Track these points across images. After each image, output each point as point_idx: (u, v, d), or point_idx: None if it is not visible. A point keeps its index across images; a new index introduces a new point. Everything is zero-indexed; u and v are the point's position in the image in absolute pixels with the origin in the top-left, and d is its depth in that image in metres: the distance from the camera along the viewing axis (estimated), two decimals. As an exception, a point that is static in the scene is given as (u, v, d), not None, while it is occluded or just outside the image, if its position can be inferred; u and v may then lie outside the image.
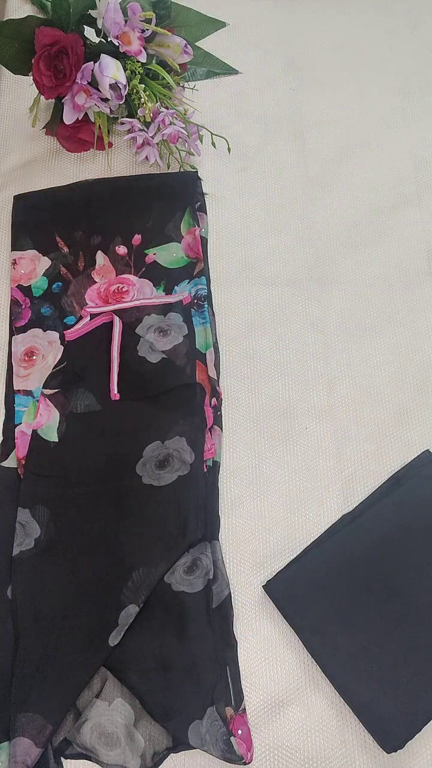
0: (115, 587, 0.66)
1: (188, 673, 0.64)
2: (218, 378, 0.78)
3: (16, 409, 0.75)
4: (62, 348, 0.77)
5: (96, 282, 0.81)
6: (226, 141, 0.88)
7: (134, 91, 0.82)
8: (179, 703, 0.63)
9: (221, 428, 0.75)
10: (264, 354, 0.80)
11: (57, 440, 0.73)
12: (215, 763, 0.63)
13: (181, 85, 0.89)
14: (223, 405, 0.77)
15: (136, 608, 0.65)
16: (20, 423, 0.74)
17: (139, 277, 0.82)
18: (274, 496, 0.74)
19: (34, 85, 0.82)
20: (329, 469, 0.75)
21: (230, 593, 0.68)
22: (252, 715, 0.65)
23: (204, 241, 0.84)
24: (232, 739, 0.62)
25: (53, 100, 0.85)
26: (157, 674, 0.64)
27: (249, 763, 0.62)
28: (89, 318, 0.78)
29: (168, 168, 0.89)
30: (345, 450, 0.76)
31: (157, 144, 0.86)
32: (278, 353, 0.80)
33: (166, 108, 0.84)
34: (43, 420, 0.74)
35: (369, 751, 0.64)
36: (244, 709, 0.64)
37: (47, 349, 0.78)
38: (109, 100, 0.82)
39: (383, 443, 0.77)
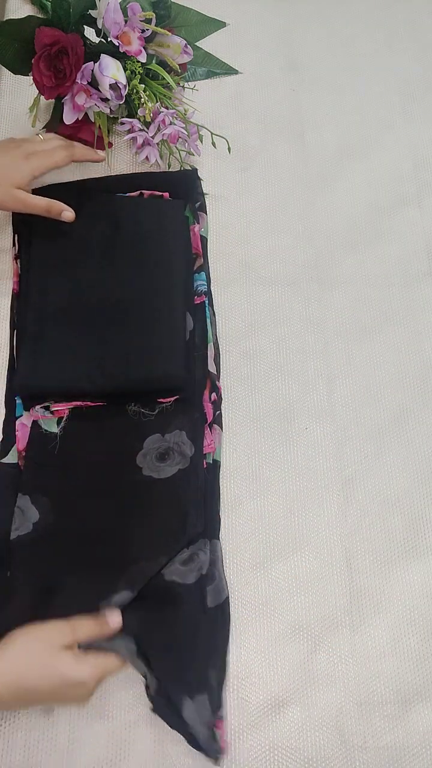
0: (112, 576, 0.66)
1: (180, 658, 0.64)
2: (219, 374, 0.78)
3: (17, 401, 0.75)
4: None
5: None
6: (227, 141, 0.88)
7: (134, 91, 0.82)
8: (173, 681, 0.63)
9: (221, 428, 0.75)
10: (264, 354, 0.80)
11: (57, 431, 0.73)
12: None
13: (181, 85, 0.89)
14: (223, 405, 0.77)
15: (130, 594, 0.65)
16: (21, 415, 0.74)
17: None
18: (274, 496, 0.74)
19: (34, 85, 0.82)
20: (329, 469, 0.75)
21: (228, 597, 0.68)
22: (252, 715, 0.65)
23: (204, 241, 0.84)
24: (216, 731, 0.62)
25: (53, 100, 0.85)
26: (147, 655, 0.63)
27: (222, 757, 0.61)
28: None
29: (168, 168, 0.89)
30: (345, 450, 0.76)
31: (157, 144, 0.86)
32: (278, 353, 0.80)
33: (166, 108, 0.84)
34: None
35: (369, 751, 0.64)
36: (223, 717, 0.63)
37: None
38: (109, 100, 0.82)
39: (383, 443, 0.77)
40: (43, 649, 0.56)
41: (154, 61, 0.85)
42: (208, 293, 0.81)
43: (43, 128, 0.90)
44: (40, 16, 0.94)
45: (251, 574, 0.70)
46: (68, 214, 0.79)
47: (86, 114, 0.85)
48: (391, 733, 0.65)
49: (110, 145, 0.89)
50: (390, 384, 0.80)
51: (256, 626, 0.68)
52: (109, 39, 0.80)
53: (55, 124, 0.87)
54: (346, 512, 0.73)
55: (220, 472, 0.74)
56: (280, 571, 0.70)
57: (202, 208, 0.86)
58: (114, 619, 0.61)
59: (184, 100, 0.89)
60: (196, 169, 0.88)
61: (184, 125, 0.85)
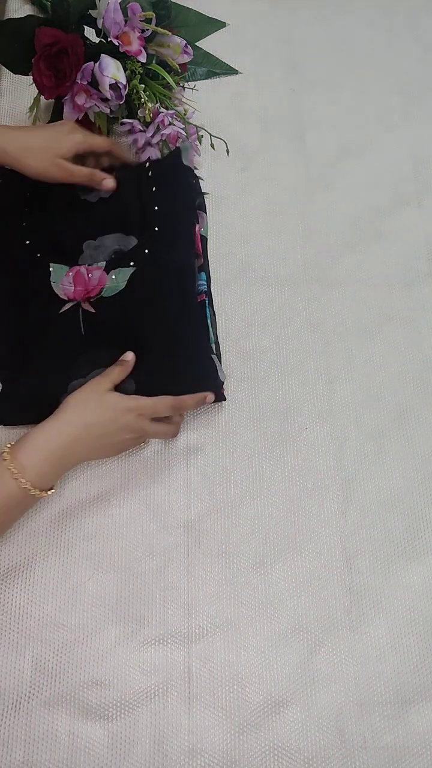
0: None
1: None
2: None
3: None
4: None
5: None
6: (225, 143, 0.88)
7: (134, 91, 0.82)
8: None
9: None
10: (264, 354, 0.80)
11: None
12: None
13: (181, 85, 0.89)
14: (223, 405, 0.77)
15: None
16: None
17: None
18: (274, 496, 0.74)
19: (34, 85, 0.82)
20: (329, 469, 0.75)
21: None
22: (252, 715, 0.65)
23: (204, 241, 0.84)
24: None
25: (53, 100, 0.85)
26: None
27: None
28: None
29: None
30: (345, 450, 0.76)
31: (158, 144, 0.86)
32: (278, 353, 0.80)
33: (166, 108, 0.84)
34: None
35: (369, 751, 0.64)
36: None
37: None
38: (109, 100, 0.82)
39: (383, 443, 0.77)
40: (94, 395, 0.70)
41: (154, 61, 0.85)
42: (208, 293, 0.81)
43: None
44: (40, 16, 0.94)
45: (251, 575, 0.70)
46: (110, 182, 0.81)
47: (86, 114, 0.85)
48: (391, 733, 0.65)
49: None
50: (390, 384, 0.80)
51: (256, 626, 0.68)
52: (109, 39, 0.80)
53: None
54: (346, 512, 0.73)
55: (220, 472, 0.74)
56: (280, 572, 0.70)
57: (202, 208, 0.86)
58: (130, 355, 0.74)
59: (184, 100, 0.89)
60: (179, 148, 0.86)
61: (183, 126, 0.84)
